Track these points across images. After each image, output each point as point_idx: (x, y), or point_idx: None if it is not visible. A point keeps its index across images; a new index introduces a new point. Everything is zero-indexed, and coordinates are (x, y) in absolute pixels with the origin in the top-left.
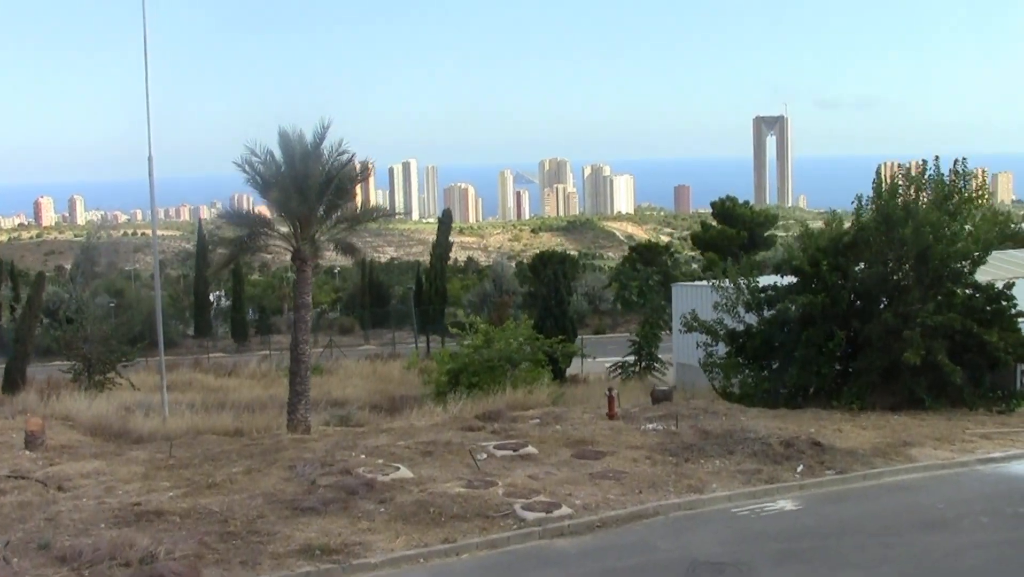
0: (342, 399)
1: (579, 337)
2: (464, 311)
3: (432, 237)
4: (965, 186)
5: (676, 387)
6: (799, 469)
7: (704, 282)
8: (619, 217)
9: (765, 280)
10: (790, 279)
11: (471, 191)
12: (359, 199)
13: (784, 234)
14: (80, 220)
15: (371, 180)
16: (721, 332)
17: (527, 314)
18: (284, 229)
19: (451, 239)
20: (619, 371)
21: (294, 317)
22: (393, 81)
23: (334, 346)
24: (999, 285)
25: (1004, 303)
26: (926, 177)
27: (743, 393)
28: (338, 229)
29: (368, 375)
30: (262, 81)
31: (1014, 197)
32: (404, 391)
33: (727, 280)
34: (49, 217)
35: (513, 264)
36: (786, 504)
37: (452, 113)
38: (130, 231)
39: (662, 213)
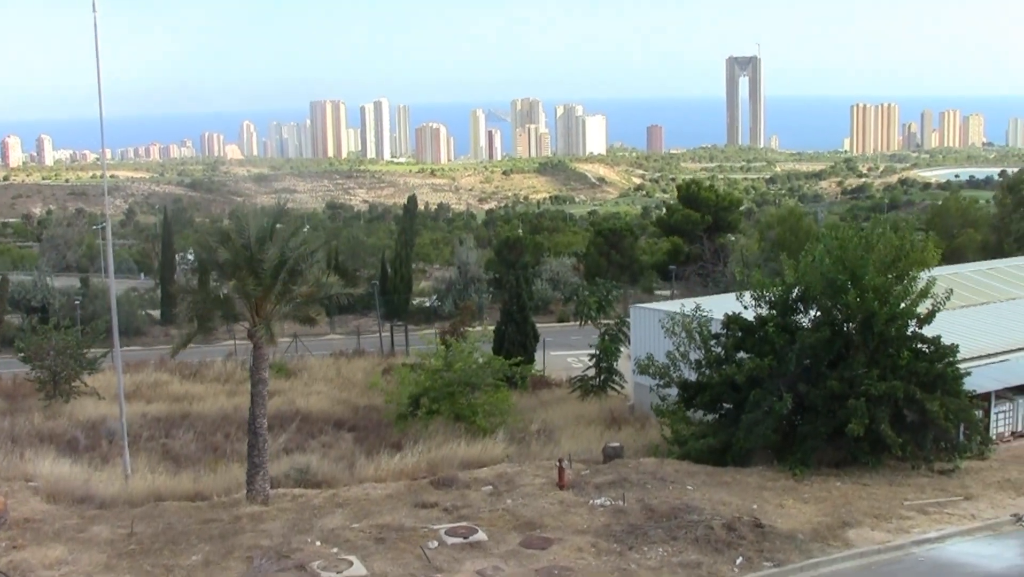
0: (305, 411)
1: (541, 339)
2: (428, 300)
3: (404, 180)
4: (912, 248)
5: (633, 406)
6: (738, 562)
7: (661, 305)
8: (591, 158)
9: (719, 318)
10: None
11: (443, 131)
12: (331, 146)
13: (756, 176)
14: (48, 160)
15: (343, 120)
16: (675, 376)
17: (491, 298)
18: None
19: (423, 181)
20: (578, 384)
21: (252, 392)
22: (365, 18)
23: (299, 338)
24: (944, 337)
25: (948, 364)
26: (875, 235)
27: (691, 448)
28: (294, 305)
29: (332, 377)
30: (234, 16)
31: (984, 140)
32: (368, 400)
33: (680, 325)
34: (16, 157)
35: (484, 210)
36: None
37: (424, 50)
38: (99, 173)
39: (634, 154)
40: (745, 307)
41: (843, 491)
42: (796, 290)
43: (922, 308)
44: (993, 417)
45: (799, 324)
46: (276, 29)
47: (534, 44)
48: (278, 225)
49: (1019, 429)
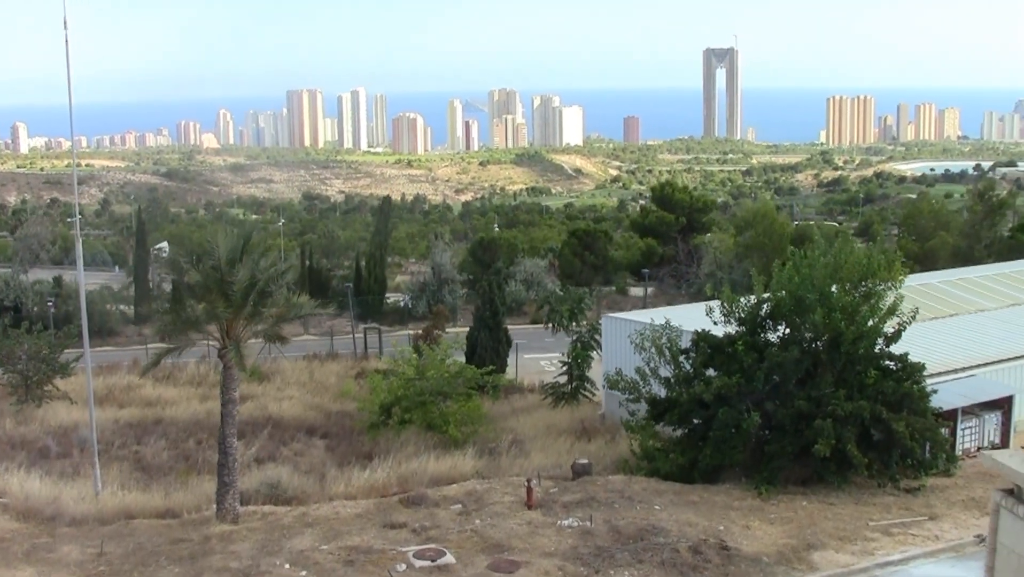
0: (278, 417)
1: (513, 344)
2: (402, 300)
3: (380, 171)
4: (879, 267)
5: (604, 414)
6: None
7: (633, 315)
8: (568, 149)
9: (690, 329)
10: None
11: (420, 121)
12: (308, 135)
13: (732, 169)
14: (24, 148)
15: (319, 109)
16: (644, 390)
17: (465, 298)
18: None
19: (399, 172)
20: (550, 392)
21: (222, 412)
22: (342, 6)
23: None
24: (912, 352)
25: (914, 382)
26: (843, 254)
27: (659, 465)
28: (265, 325)
29: (305, 381)
30: (210, 2)
31: (960, 133)
32: (340, 405)
33: (650, 340)
34: None
35: (460, 202)
36: None
37: (402, 39)
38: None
39: (611, 145)
40: (715, 323)
41: (809, 511)
42: (765, 307)
43: (889, 325)
44: (959, 433)
45: (768, 341)
46: (254, 16)
47: (512, 34)
48: (248, 246)
49: (985, 445)
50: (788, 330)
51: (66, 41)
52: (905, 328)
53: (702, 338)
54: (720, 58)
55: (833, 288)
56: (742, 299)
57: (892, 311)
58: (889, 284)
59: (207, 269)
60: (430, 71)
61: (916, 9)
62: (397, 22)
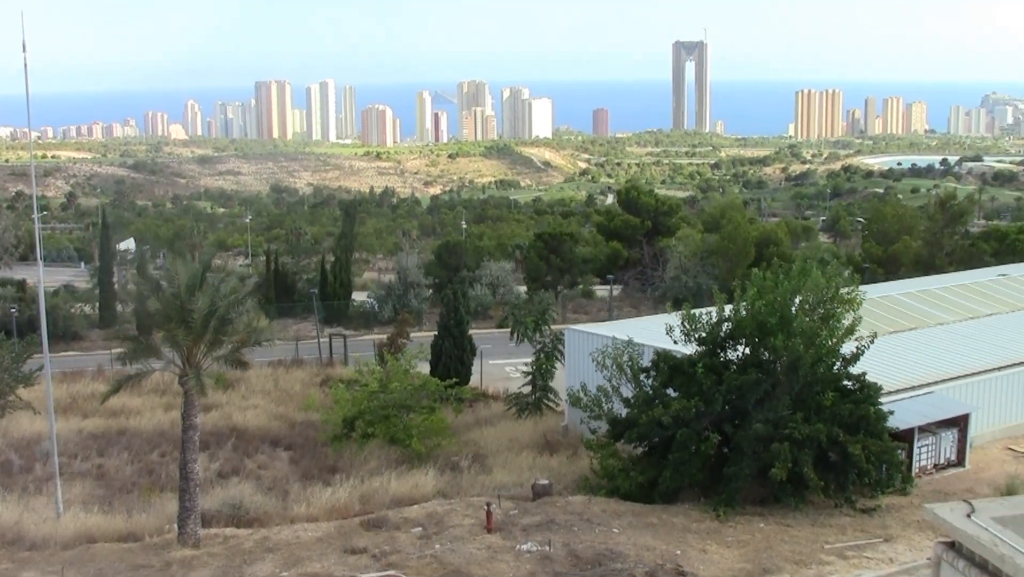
0: (242, 427)
1: (478, 351)
2: (368, 301)
3: (349, 163)
4: (837, 292)
5: (567, 426)
6: None
7: (596, 328)
8: (537, 142)
9: (652, 344)
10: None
11: (389, 113)
12: (276, 127)
13: (701, 162)
14: None
15: (288, 101)
16: (606, 408)
17: (431, 303)
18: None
19: (368, 164)
20: (514, 403)
21: (183, 437)
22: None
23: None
24: (871, 368)
25: (871, 404)
26: (803, 279)
27: (619, 484)
28: (225, 351)
29: (270, 390)
30: None
31: (927, 127)
32: (305, 415)
33: (611, 358)
34: None
35: (429, 195)
36: None
37: (371, 31)
38: (39, 153)
39: (580, 138)
40: (675, 341)
41: (766, 533)
42: (726, 326)
43: (849, 345)
44: (916, 451)
45: (728, 361)
46: (222, 6)
47: (481, 26)
48: (208, 272)
49: (941, 462)
50: (748, 350)
51: (25, 65)
52: (864, 352)
53: (663, 358)
54: (689, 51)
55: (793, 308)
56: (703, 315)
57: (850, 331)
58: (847, 306)
59: (167, 297)
60: (399, 63)
61: (884, 3)
62: (366, 14)
